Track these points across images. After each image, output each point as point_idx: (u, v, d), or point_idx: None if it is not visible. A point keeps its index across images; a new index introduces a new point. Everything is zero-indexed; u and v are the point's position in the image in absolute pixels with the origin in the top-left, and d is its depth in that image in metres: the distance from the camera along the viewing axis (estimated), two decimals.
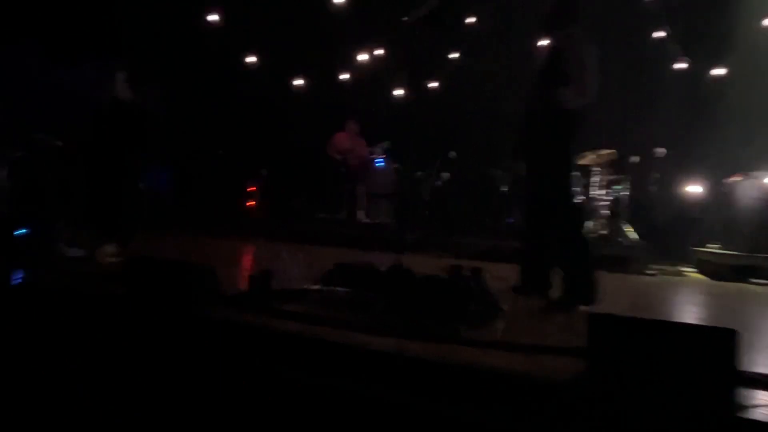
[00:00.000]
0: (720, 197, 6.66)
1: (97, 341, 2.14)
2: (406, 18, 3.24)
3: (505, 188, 7.32)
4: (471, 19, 8.57)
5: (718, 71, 7.52)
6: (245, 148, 8.83)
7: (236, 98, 8.70)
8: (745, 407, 1.40)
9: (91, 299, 2.36)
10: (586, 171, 7.03)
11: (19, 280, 2.75)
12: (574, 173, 3.11)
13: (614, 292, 4.11)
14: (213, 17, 8.48)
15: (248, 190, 8.66)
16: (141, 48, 7.13)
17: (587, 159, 6.96)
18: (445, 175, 7.78)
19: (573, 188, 2.78)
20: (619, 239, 6.52)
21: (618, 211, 6.82)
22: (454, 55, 8.62)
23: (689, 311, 3.40)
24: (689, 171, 7.25)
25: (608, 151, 6.88)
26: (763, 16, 7.11)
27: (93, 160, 4.24)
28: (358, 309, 2.35)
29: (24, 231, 3.88)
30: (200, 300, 2.22)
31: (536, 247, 3.03)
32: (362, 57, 8.63)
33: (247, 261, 4.84)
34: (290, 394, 1.81)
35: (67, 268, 3.26)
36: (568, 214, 2.79)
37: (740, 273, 5.58)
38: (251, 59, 8.79)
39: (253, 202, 8.65)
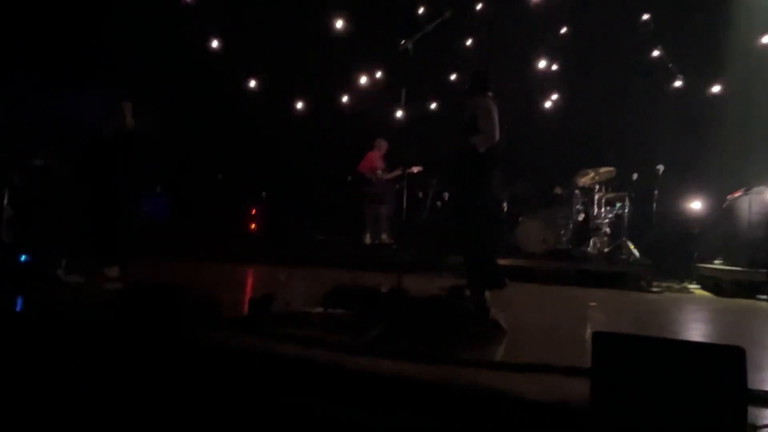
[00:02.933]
0: (721, 213, 6.65)
1: (90, 367, 2.11)
2: (402, 42, 3.29)
3: (504, 207, 7.33)
4: (468, 41, 8.74)
5: (715, 89, 7.60)
6: (245, 171, 8.87)
7: (235, 123, 8.77)
8: (756, 427, 1.38)
9: (86, 326, 2.33)
10: (586, 190, 7.05)
11: (18, 307, 2.73)
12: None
13: (618, 310, 4.10)
14: (213, 44, 8.64)
15: (249, 213, 8.69)
16: (141, 75, 7.23)
17: (587, 178, 6.98)
18: (445, 194, 7.80)
19: (484, 205, 3.68)
20: (622, 256, 6.50)
21: (619, 228, 6.82)
22: (452, 76, 8.74)
23: (695, 328, 3.36)
24: (689, 187, 7.26)
25: (608, 169, 6.91)
26: (758, 35, 7.20)
27: (93, 186, 4.26)
28: (358, 331, 2.32)
29: (24, 258, 3.87)
30: (193, 324, 2.20)
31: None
32: (361, 81, 8.76)
33: (247, 284, 4.81)
34: (289, 418, 1.77)
35: (65, 295, 3.24)
36: (470, 226, 3.60)
37: (744, 289, 5.53)
38: (250, 84, 8.92)
39: (254, 224, 8.67)
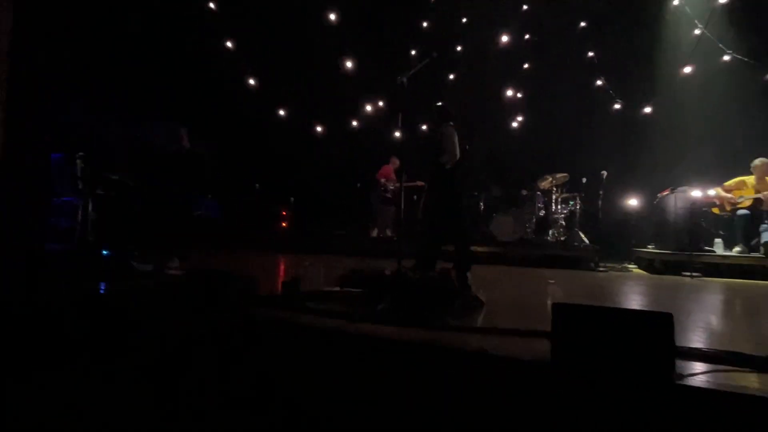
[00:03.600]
0: (653, 207, 6.62)
1: (164, 336, 2.13)
2: (400, 78, 3.31)
3: (482, 206, 7.32)
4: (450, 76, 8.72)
5: (646, 110, 7.56)
6: (277, 181, 8.91)
7: (268, 144, 8.82)
8: (682, 376, 1.37)
9: (157, 304, 2.35)
10: (546, 191, 7.03)
11: (102, 291, 2.75)
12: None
13: (572, 286, 4.08)
14: (251, 82, 8.67)
15: (281, 214, 8.70)
16: (196, 107, 7.26)
17: (547, 182, 6.96)
18: None
19: (453, 210, 3.64)
20: (575, 243, 6.48)
21: (572, 221, 6.79)
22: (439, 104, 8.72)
23: (633, 299, 3.35)
24: (627, 188, 7.23)
25: (563, 174, 6.89)
26: (679, 66, 7.16)
27: (159, 195, 4.27)
28: (369, 305, 2.32)
29: (106, 253, 3.89)
30: (240, 301, 2.21)
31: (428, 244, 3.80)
32: (367, 109, 8.77)
33: (280, 270, 4.82)
34: (315, 373, 1.78)
35: (139, 280, 3.25)
36: (453, 224, 3.64)
37: (672, 267, 5.51)
38: (280, 113, 8.96)
39: (285, 223, 8.68)
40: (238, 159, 8.57)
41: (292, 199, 8.85)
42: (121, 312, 2.31)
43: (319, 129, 9.12)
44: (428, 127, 3.88)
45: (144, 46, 6.95)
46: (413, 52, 8.01)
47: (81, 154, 4.42)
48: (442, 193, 3.66)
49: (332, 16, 8.21)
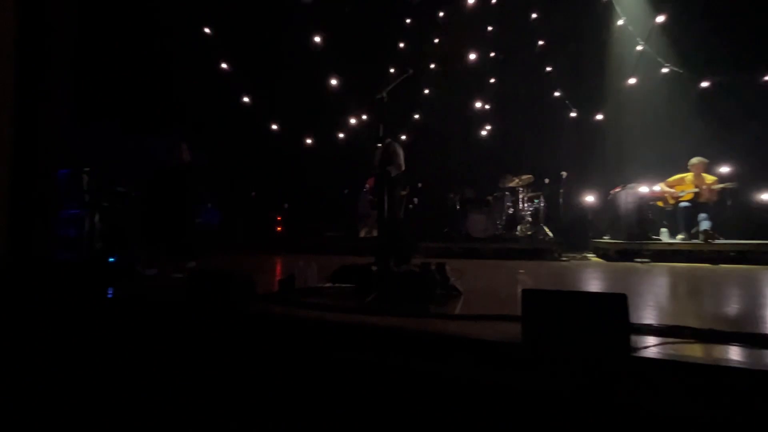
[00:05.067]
0: (607, 203, 6.77)
1: (167, 335, 2.07)
2: (380, 93, 3.29)
3: (457, 206, 7.37)
4: (426, 91, 8.78)
5: (598, 117, 7.73)
6: (272, 190, 8.81)
7: (263, 155, 8.72)
8: (636, 349, 1.40)
9: (162, 305, 2.29)
10: (513, 191, 7.11)
11: (110, 295, 2.66)
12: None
13: (539, 274, 4.13)
14: (245, 99, 8.57)
15: (276, 219, 8.60)
16: (194, 122, 7.14)
17: (513, 182, 7.04)
18: (415, 199, 7.81)
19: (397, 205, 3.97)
20: (540, 237, 6.57)
21: (538, 217, 6.89)
22: (416, 116, 8.79)
23: (592, 284, 3.41)
24: (584, 187, 7.38)
25: (528, 176, 6.99)
26: (625, 78, 7.35)
27: (162, 204, 4.19)
28: (358, 298, 2.31)
29: (113, 259, 3.78)
30: (240, 299, 2.17)
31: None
32: (351, 121, 8.76)
33: (276, 269, 4.75)
34: (309, 364, 1.76)
35: (145, 284, 3.17)
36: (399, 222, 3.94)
37: (625, 255, 5.64)
38: (273, 127, 8.86)
39: (279, 228, 8.59)
40: (235, 169, 8.45)
41: (286, 205, 8.76)
42: (126, 314, 2.25)
43: (309, 141, 9.06)
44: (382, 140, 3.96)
45: (143, 61, 6.80)
46: (392, 70, 8.03)
47: (87, 169, 4.31)
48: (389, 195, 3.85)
49: (318, 39, 8.20)
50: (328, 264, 3.38)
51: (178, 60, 7.34)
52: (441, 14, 8.68)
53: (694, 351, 1.43)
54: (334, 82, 8.37)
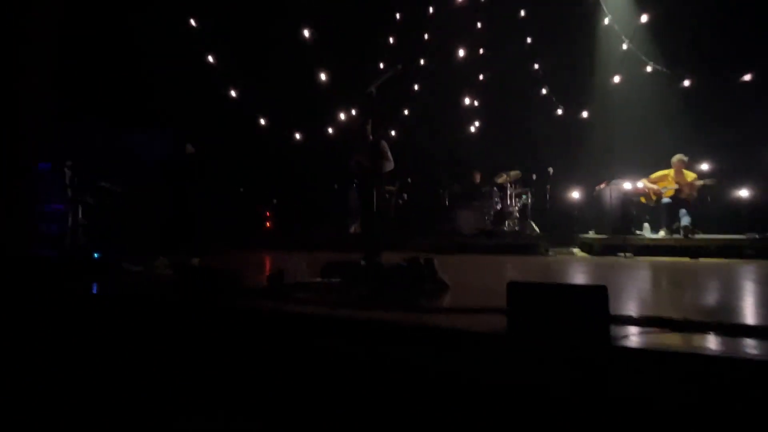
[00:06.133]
0: (592, 199, 6.89)
1: (154, 331, 2.06)
2: (369, 88, 3.28)
3: (448, 202, 7.41)
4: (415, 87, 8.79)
5: (584, 114, 7.84)
6: (261, 185, 8.73)
7: (252, 151, 8.63)
8: (615, 338, 1.44)
9: (149, 301, 2.27)
10: (502, 187, 7.19)
11: (95, 291, 2.63)
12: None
13: (526, 268, 4.20)
14: (232, 93, 8.47)
15: (265, 215, 8.54)
16: (182, 116, 7.02)
17: (502, 178, 7.12)
18: (404, 195, 7.83)
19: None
20: (528, 232, 6.66)
21: (525, 213, 6.98)
22: (405, 111, 8.80)
23: (576, 277, 3.48)
24: (570, 182, 7.49)
25: (516, 172, 7.07)
26: (611, 76, 7.46)
27: (152, 199, 4.13)
28: (347, 293, 2.32)
29: (97, 255, 3.72)
30: (228, 294, 2.16)
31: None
32: (341, 117, 8.72)
33: (266, 264, 4.73)
34: (299, 358, 1.77)
35: (130, 279, 3.13)
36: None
37: (609, 249, 5.77)
38: (261, 122, 8.78)
39: (269, 224, 8.53)
40: (224, 166, 8.35)
41: (275, 200, 8.69)
42: (112, 310, 2.22)
43: (298, 136, 8.99)
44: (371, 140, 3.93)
45: (129, 55, 6.65)
46: (381, 65, 8.01)
47: (69, 163, 4.21)
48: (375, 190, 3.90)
49: (307, 33, 8.12)
50: (318, 259, 3.39)
51: (164, 53, 7.20)
52: (431, 10, 8.67)
53: (671, 340, 1.48)
54: (323, 76, 8.32)
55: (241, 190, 8.60)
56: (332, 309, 1.97)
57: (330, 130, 8.91)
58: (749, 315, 1.92)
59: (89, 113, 5.54)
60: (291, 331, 1.87)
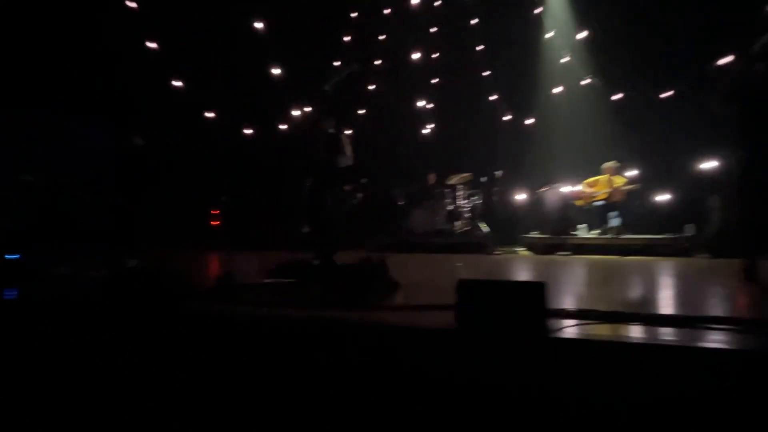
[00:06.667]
0: (535, 201, 7.32)
1: (80, 338, 1.89)
2: (325, 86, 3.26)
3: (401, 203, 7.50)
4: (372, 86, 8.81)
5: (529, 121, 8.30)
6: (208, 181, 8.30)
7: (202, 145, 8.17)
8: (554, 330, 1.54)
9: (76, 305, 2.08)
10: (453, 188, 7.42)
11: (14, 296, 2.36)
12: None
13: (473, 266, 4.37)
14: (177, 83, 7.99)
15: (212, 213, 8.13)
16: (135, 110, 6.53)
17: (454, 180, 7.33)
18: (359, 195, 7.82)
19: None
20: (477, 232, 6.91)
21: (475, 213, 7.25)
22: (361, 111, 8.80)
23: (519, 274, 3.66)
24: (516, 185, 7.90)
25: (467, 174, 7.31)
26: (552, 85, 7.95)
27: (90, 194, 3.77)
28: (299, 293, 2.28)
29: (16, 256, 3.33)
30: (171, 297, 2.03)
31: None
32: (295, 113, 8.54)
33: (214, 265, 4.51)
34: (249, 360, 1.71)
35: (57, 283, 2.85)
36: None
37: (550, 248, 6.17)
38: (209, 115, 8.36)
39: (218, 222, 8.13)
40: (168, 160, 7.83)
41: (223, 198, 8.29)
42: (31, 315, 2.01)
43: (250, 131, 8.66)
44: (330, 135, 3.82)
45: (63, 43, 6.03)
46: (337, 63, 7.95)
47: None
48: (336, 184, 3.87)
49: (259, 25, 7.86)
50: (270, 259, 3.29)
51: (104, 40, 6.61)
52: (386, 11, 8.74)
53: (602, 330, 1.63)
54: (277, 70, 8.08)
55: (187, 185, 8.11)
56: (284, 310, 1.93)
57: (283, 127, 8.69)
58: (666, 306, 2.15)
59: (26, 104, 4.93)
60: (240, 334, 1.81)
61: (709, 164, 6.26)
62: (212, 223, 8.12)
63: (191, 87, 8.01)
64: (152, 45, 7.61)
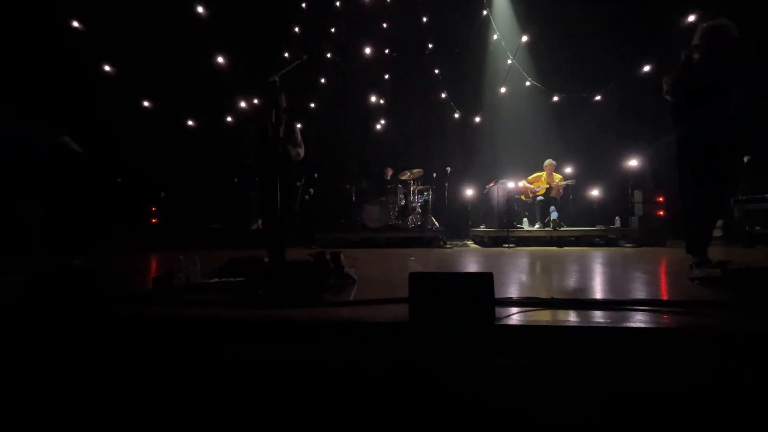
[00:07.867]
0: (483, 196, 7.65)
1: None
2: (272, 76, 3.13)
3: (354, 198, 7.48)
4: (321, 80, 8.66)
5: (477, 119, 8.64)
6: (144, 176, 7.67)
7: (137, 136, 7.52)
8: (499, 318, 1.63)
9: None
10: (405, 183, 7.53)
11: None
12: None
13: (427, 260, 4.46)
14: (107, 68, 7.29)
15: (150, 209, 7.55)
16: (64, 101, 5.84)
17: (406, 175, 7.44)
18: (311, 189, 7.68)
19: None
20: (428, 227, 7.09)
21: (426, 208, 7.43)
22: (312, 105, 8.62)
23: (469, 265, 3.81)
24: (465, 181, 8.20)
25: (418, 170, 7.45)
26: (499, 85, 8.33)
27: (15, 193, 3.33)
28: (249, 292, 2.19)
29: None
30: (99, 300, 1.86)
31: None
32: (241, 105, 8.16)
33: (151, 266, 4.19)
34: (189, 365, 1.61)
35: None
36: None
37: (497, 241, 6.48)
38: (145, 104, 7.73)
39: (155, 219, 7.57)
40: (96, 153, 7.13)
41: (162, 193, 7.74)
42: None
43: (191, 123, 8.15)
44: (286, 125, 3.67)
45: None
46: (286, 54, 7.71)
47: None
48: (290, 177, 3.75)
49: (201, 10, 7.39)
50: (215, 258, 3.13)
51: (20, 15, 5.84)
52: (337, 3, 8.62)
53: (543, 316, 1.73)
54: (221, 60, 7.67)
55: (119, 180, 7.46)
56: (230, 310, 1.84)
57: (228, 119, 8.28)
58: (597, 292, 2.34)
59: None
60: (180, 337, 1.70)
61: (633, 162, 6.91)
62: (152, 221, 7.57)
63: (126, 76, 7.35)
64: (76, 24, 6.89)
